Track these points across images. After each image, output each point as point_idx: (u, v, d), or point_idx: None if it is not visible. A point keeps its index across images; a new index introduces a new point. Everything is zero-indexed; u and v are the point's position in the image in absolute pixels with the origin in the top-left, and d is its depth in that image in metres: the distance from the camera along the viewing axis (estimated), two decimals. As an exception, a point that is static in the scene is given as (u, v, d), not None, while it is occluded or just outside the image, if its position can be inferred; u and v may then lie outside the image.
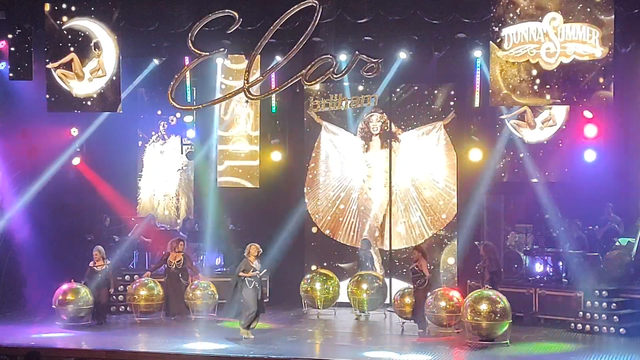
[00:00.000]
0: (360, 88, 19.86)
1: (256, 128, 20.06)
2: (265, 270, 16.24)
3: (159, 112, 21.36)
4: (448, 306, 16.27)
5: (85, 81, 17.42)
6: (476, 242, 18.22)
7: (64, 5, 17.25)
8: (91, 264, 17.32)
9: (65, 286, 17.06)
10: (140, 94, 20.80)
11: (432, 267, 18.25)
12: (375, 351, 15.30)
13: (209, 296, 18.07)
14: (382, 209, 19.88)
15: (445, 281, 18.88)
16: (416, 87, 19.70)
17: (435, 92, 19.72)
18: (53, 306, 16.90)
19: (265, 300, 16.70)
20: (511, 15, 15.86)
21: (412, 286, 16.87)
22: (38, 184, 18.92)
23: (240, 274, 15.86)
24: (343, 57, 17.51)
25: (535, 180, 18.64)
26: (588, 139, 17.99)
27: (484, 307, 15.32)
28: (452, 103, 19.57)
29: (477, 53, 18.12)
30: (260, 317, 16.07)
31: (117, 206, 20.40)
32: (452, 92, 19.59)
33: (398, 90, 19.67)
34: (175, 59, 18.59)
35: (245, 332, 15.86)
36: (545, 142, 18.57)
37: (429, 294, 16.43)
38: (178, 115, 20.83)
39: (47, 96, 17.48)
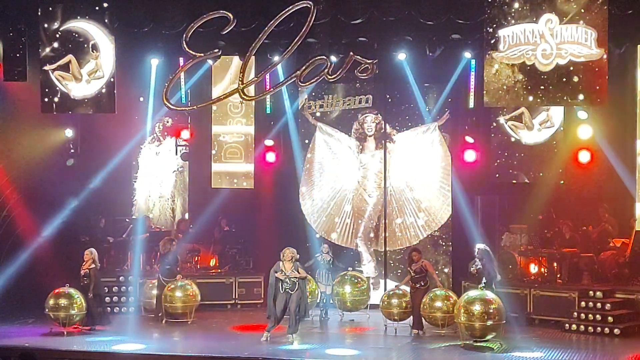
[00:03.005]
0: (355, 89, 19.90)
1: (251, 129, 20.10)
2: (294, 276, 15.68)
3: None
4: (444, 307, 16.29)
5: (83, 83, 17.40)
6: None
7: (58, 7, 17.23)
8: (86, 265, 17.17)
9: (57, 290, 16.75)
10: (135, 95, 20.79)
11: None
12: (371, 352, 15.34)
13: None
14: (377, 209, 19.89)
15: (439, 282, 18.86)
16: (411, 88, 19.71)
17: (430, 92, 19.74)
18: (45, 311, 16.68)
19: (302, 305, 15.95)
20: (506, 16, 15.89)
21: (409, 287, 16.80)
22: (33, 186, 18.92)
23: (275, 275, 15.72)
24: (337, 58, 17.50)
25: (527, 180, 18.70)
26: (582, 139, 18.04)
27: (477, 308, 15.29)
28: (446, 104, 19.58)
29: (472, 54, 18.13)
30: (297, 322, 15.67)
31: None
32: (447, 93, 19.59)
33: (393, 91, 19.68)
34: (170, 60, 18.58)
35: (293, 337, 15.60)
36: (541, 143, 18.63)
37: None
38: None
39: (42, 98, 17.46)
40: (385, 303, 16.95)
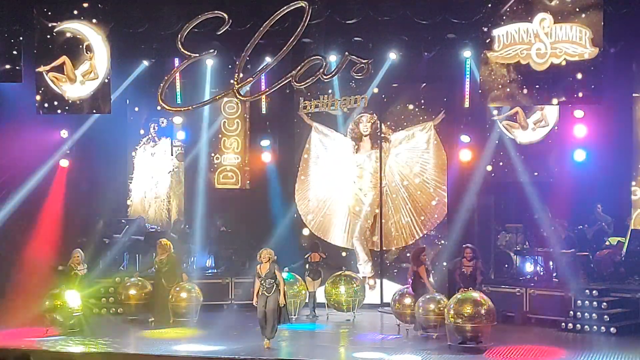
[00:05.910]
0: (350, 89, 19.90)
1: (246, 129, 20.10)
2: (270, 279, 15.07)
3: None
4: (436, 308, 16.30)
5: (78, 84, 17.42)
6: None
7: (54, 8, 17.23)
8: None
9: (55, 291, 16.72)
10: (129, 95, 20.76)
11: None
12: (368, 352, 15.33)
13: (193, 299, 17.96)
14: (373, 209, 19.87)
15: (435, 282, 18.85)
16: (406, 88, 19.70)
17: (426, 92, 19.74)
18: (42, 312, 16.66)
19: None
20: (501, 16, 15.90)
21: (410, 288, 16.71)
22: (29, 186, 18.90)
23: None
24: (333, 58, 17.52)
25: (522, 180, 18.73)
26: (578, 138, 18.06)
27: (467, 309, 15.14)
28: (442, 103, 19.58)
29: (467, 53, 18.14)
30: (274, 327, 15.06)
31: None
32: (442, 93, 19.59)
33: (388, 90, 19.68)
34: (165, 60, 18.58)
35: (267, 341, 15.09)
36: (536, 142, 18.64)
37: None
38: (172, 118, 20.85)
39: (37, 99, 17.45)
40: (398, 304, 16.64)
